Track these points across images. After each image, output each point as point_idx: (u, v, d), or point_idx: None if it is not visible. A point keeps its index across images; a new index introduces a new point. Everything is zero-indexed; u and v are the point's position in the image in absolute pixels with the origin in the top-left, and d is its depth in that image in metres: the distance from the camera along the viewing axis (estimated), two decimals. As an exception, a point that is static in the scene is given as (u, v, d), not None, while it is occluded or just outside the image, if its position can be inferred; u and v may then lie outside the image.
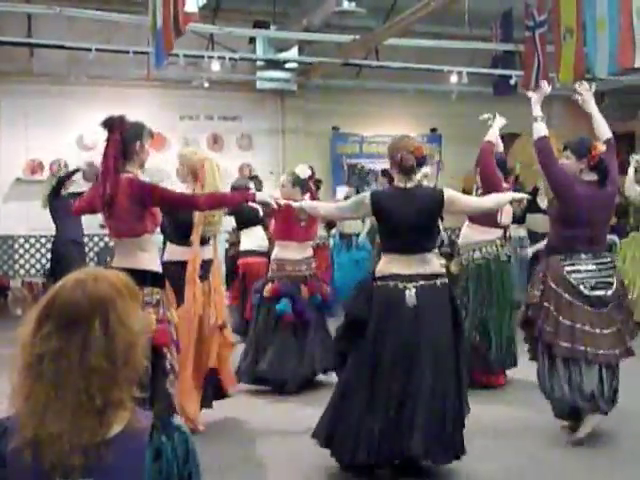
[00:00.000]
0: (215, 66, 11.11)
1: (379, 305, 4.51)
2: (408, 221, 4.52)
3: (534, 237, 10.29)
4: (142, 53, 10.34)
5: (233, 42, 11.64)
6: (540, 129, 5.30)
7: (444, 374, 4.46)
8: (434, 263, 4.65)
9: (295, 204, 5.06)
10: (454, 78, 11.91)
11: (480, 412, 5.22)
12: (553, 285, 5.11)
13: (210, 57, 11.07)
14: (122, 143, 4.37)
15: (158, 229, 4.93)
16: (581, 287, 5.08)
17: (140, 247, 4.46)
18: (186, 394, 5.29)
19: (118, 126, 4.36)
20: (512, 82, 11.46)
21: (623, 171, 9.63)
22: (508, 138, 13.37)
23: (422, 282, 4.50)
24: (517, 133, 13.60)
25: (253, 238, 8.92)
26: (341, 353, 4.71)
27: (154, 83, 12.16)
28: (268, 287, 6.88)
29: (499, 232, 6.71)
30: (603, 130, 5.55)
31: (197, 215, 5.51)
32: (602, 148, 5.18)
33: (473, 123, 13.63)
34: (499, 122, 7.02)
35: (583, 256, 5.15)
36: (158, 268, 4.55)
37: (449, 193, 4.68)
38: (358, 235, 11.35)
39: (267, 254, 8.07)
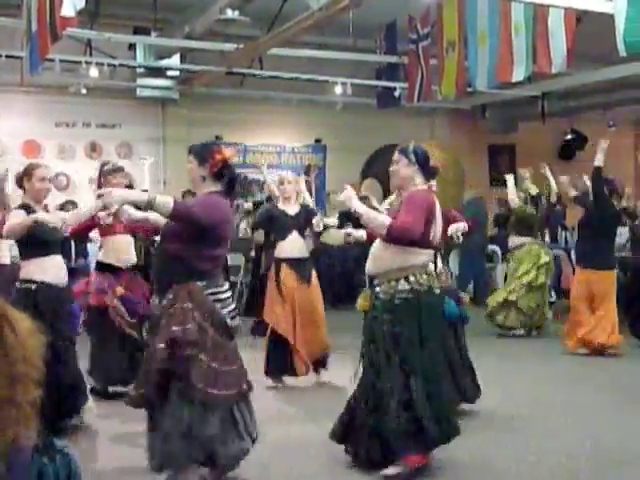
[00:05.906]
0: (93, 72, 10.77)
1: None
2: None
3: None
4: (16, 57, 9.90)
5: (112, 48, 11.31)
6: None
7: None
8: None
9: None
10: (338, 89, 11.93)
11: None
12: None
13: (88, 63, 10.71)
14: None
15: None
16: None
17: None
18: None
19: None
20: (396, 94, 11.57)
21: (504, 183, 9.84)
22: (388, 149, 13.50)
23: None
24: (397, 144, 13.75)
25: None
26: None
27: (29, 89, 11.65)
28: None
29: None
30: None
31: None
32: (227, 153, 4.51)
33: (357, 134, 13.85)
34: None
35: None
36: None
37: None
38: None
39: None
